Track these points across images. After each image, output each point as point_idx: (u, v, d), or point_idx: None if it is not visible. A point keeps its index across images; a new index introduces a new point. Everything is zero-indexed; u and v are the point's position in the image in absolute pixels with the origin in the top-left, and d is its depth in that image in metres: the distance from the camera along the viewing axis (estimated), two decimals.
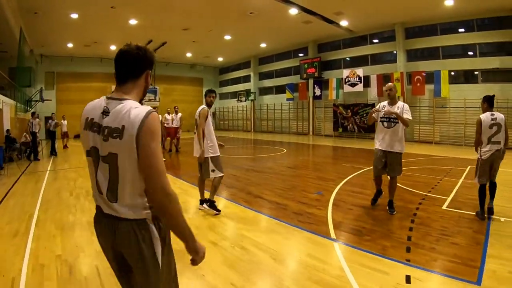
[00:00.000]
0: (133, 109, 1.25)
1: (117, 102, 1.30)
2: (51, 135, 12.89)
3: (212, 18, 15.34)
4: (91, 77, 23.61)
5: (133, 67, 1.37)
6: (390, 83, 4.90)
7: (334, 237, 3.72)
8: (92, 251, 3.36)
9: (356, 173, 7.72)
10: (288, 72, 23.64)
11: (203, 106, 4.83)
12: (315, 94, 20.99)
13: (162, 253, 1.35)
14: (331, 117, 20.17)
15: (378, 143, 4.82)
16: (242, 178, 7.34)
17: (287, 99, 23.07)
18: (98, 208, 1.41)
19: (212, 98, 4.87)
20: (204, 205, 4.87)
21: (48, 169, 9.29)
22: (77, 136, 20.04)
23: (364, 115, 18.00)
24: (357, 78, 18.21)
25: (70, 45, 19.45)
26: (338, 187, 6.31)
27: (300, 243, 3.64)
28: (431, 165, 9.07)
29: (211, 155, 4.72)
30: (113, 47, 20.59)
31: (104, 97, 1.37)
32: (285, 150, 13.26)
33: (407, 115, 4.56)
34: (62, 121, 15.22)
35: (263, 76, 26.42)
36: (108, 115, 1.28)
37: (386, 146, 4.69)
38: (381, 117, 4.77)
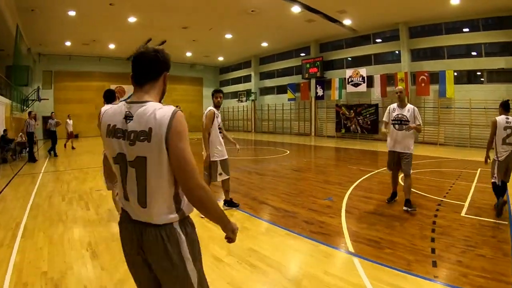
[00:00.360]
0: (157, 110, 1.25)
1: (139, 105, 1.29)
2: (51, 135, 12.46)
3: (212, 16, 14.97)
4: (89, 76, 23.25)
5: (151, 70, 1.37)
6: (400, 86, 5.12)
7: (352, 250, 3.35)
8: (82, 267, 3.00)
9: (364, 177, 7.37)
10: (290, 72, 23.27)
11: (210, 107, 4.59)
12: (317, 94, 20.63)
13: (191, 259, 1.35)
14: (334, 117, 19.82)
15: (390, 145, 4.98)
16: (245, 181, 6.98)
17: (289, 99, 22.69)
18: (125, 212, 1.41)
19: (219, 99, 4.64)
20: (222, 207, 4.77)
21: (42, 170, 8.92)
22: (75, 136, 19.66)
23: (368, 115, 17.68)
24: (360, 78, 17.86)
25: (68, 43, 19.05)
26: (348, 192, 5.95)
27: (315, 257, 3.25)
28: (440, 167, 8.74)
29: (219, 158, 4.58)
30: (112, 46, 20.23)
31: (123, 102, 1.36)
32: (288, 152, 12.92)
33: (419, 121, 4.81)
34: (68, 120, 14.77)
35: (264, 76, 26.05)
36: (132, 119, 1.27)
37: (398, 148, 4.86)
38: (392, 120, 4.91)
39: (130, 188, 1.32)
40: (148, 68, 1.36)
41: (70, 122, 14.85)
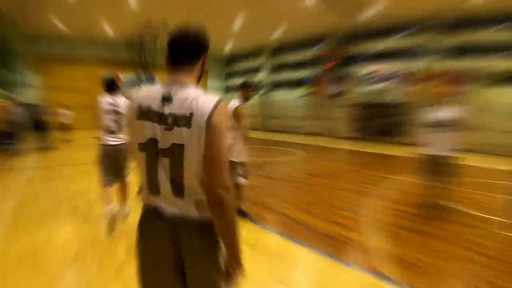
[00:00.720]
0: (200, 96, 1.27)
1: (179, 87, 1.31)
2: (40, 125, 12.30)
3: None
4: (82, 62, 23.16)
5: (192, 50, 1.38)
6: (442, 87, 5.38)
7: (391, 276, 3.10)
8: None
9: (387, 184, 7.19)
10: (304, 65, 22.91)
11: (237, 102, 4.40)
12: (334, 91, 20.35)
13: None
14: (351, 117, 19.54)
15: (428, 148, 4.98)
16: (256, 186, 6.75)
17: (302, 96, 22.47)
18: (150, 207, 1.37)
19: (251, 93, 4.50)
20: None
21: (27, 166, 8.80)
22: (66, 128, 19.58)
23: (389, 116, 17.35)
24: (383, 74, 17.56)
25: (60, 25, 19.03)
26: (371, 201, 5.74)
27: (346, 283, 3.02)
28: (472, 177, 8.43)
29: (240, 160, 4.56)
30: (108, 30, 20.18)
31: (160, 83, 1.36)
32: (300, 153, 12.69)
33: (463, 121, 4.89)
34: (63, 110, 14.59)
35: (275, 68, 25.80)
36: (170, 102, 1.28)
37: (438, 151, 4.87)
38: (432, 121, 4.98)
39: (162, 179, 1.30)
40: (189, 49, 1.36)
41: (67, 112, 14.71)
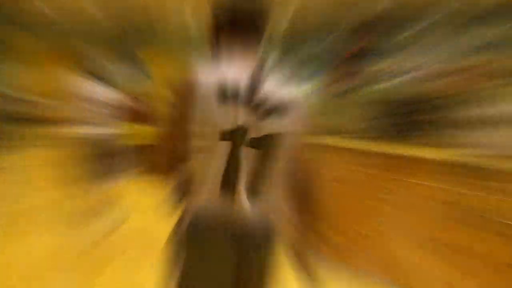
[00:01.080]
0: (287, 83, 1.32)
1: (260, 71, 1.33)
2: (18, 119, 12.26)
3: None
4: (71, 49, 23.29)
5: (263, 24, 1.38)
6: (476, 80, 5.81)
7: None
8: None
9: (420, 193, 6.96)
10: (320, 56, 22.79)
11: None
12: (353, 85, 20.25)
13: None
14: (373, 114, 19.40)
15: (478, 149, 5.23)
16: None
17: (316, 90, 22.39)
18: (211, 209, 1.31)
19: None
20: None
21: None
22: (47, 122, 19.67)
23: (418, 113, 17.22)
24: (410, 67, 17.40)
25: (42, 6, 18.90)
26: (412, 215, 5.54)
27: None
28: None
29: None
30: (97, 12, 20.12)
31: (230, 63, 1.29)
32: (315, 155, 12.58)
33: None
34: (47, 100, 14.62)
35: (284, 59, 25.77)
36: (258, 88, 1.32)
37: (491, 151, 5.04)
38: (482, 117, 5.45)
39: (244, 174, 1.25)
40: (261, 22, 1.32)
41: (52, 103, 14.71)
